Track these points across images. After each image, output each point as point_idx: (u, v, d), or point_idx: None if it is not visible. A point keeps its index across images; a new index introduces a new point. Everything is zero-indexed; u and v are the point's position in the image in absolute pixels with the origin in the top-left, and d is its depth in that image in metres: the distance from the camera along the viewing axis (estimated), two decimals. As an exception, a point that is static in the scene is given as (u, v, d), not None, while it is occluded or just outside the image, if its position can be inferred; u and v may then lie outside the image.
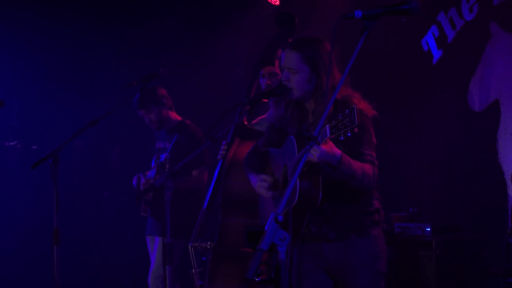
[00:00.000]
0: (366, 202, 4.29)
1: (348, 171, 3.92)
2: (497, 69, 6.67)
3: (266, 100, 4.95)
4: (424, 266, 5.92)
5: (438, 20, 7.15)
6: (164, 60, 8.64)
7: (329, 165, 3.89)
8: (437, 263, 5.86)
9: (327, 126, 3.62)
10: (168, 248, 4.60)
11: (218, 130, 4.68)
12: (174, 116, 7.22)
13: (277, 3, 8.26)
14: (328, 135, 3.61)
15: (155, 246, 6.90)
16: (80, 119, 5.44)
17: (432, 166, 7.22)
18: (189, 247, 6.21)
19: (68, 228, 8.13)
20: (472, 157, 6.87)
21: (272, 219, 2.84)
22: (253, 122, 6.23)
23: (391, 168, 7.05)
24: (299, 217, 4.10)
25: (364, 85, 4.17)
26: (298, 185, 3.98)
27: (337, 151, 3.86)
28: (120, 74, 8.64)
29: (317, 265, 4.32)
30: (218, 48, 8.98)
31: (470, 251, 6.16)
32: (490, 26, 6.73)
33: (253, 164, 4.69)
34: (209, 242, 6.00)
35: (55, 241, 5.29)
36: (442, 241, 5.95)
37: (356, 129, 3.51)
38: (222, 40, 8.97)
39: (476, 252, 6.17)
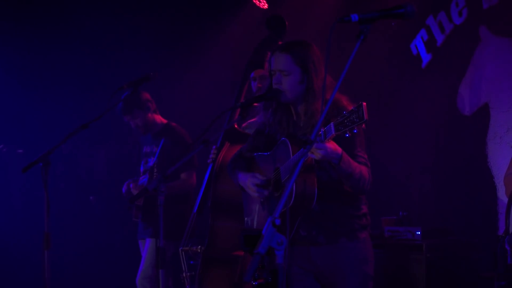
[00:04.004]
0: (356, 206, 4.31)
1: (347, 170, 3.95)
2: (486, 72, 6.70)
3: (257, 104, 4.96)
4: (414, 270, 5.97)
5: (427, 24, 7.17)
6: (153, 64, 8.64)
7: (330, 163, 3.92)
8: (428, 266, 5.92)
9: (332, 123, 3.66)
10: (161, 252, 4.58)
11: (211, 134, 4.63)
12: (159, 119, 7.21)
13: (265, 6, 8.26)
14: (333, 133, 3.65)
15: (145, 247, 6.92)
16: (68, 123, 5.44)
17: (422, 170, 7.24)
18: (180, 251, 6.21)
19: (55, 233, 8.15)
20: (461, 161, 6.89)
21: (269, 222, 2.83)
22: (243, 125, 6.22)
23: (380, 171, 7.00)
24: (291, 220, 4.09)
25: (352, 89, 4.19)
26: (294, 186, 3.97)
27: (339, 149, 3.89)
28: (109, 77, 8.58)
29: (305, 269, 4.34)
30: (206, 52, 8.95)
31: (461, 254, 6.22)
32: (480, 30, 6.75)
33: (239, 166, 4.68)
34: (199, 246, 6.00)
35: (46, 245, 5.29)
36: (432, 244, 6.00)
37: (364, 125, 3.56)
38: (210, 43, 8.95)
39: (466, 256, 6.23)
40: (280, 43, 5.54)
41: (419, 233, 6.10)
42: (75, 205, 9.40)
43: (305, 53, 4.27)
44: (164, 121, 7.24)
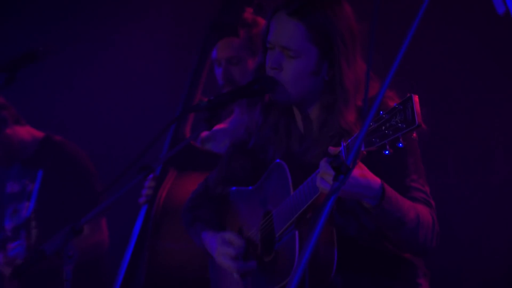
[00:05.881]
0: (407, 278, 4.38)
1: (394, 214, 3.92)
2: None
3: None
4: None
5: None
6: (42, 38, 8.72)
7: (359, 203, 3.94)
8: None
9: None
10: None
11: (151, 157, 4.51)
12: (29, 133, 7.33)
13: None
14: (362, 149, 3.63)
15: None
16: None
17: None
18: None
19: None
20: None
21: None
22: (203, 135, 6.28)
23: (444, 219, 6.88)
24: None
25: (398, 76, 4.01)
26: (297, 246, 4.08)
27: (375, 180, 3.88)
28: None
29: None
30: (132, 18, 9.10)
31: None
32: None
33: (202, 216, 4.82)
34: None
35: None
36: None
37: (414, 133, 3.45)
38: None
39: None
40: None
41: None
42: None
43: (329, 22, 4.27)
44: (39, 135, 7.36)
